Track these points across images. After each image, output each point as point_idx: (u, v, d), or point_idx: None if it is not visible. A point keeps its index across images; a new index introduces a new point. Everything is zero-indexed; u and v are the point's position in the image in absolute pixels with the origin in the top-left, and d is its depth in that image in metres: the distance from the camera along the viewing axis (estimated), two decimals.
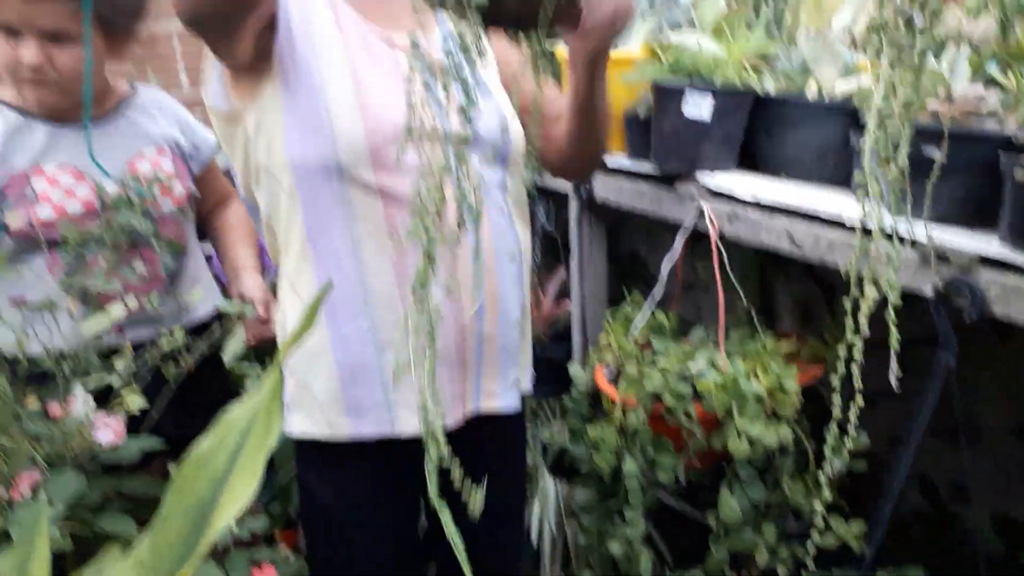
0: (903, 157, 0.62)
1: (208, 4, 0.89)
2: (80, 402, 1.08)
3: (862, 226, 0.64)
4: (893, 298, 0.62)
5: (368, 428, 1.07)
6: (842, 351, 0.65)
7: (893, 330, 0.65)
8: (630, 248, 2.05)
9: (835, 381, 0.67)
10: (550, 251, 2.00)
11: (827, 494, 0.73)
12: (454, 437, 0.82)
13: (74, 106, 1.40)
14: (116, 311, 1.23)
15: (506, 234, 1.11)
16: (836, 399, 0.68)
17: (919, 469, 1.48)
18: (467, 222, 0.71)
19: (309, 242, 1.05)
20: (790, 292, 1.64)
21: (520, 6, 0.74)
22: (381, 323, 1.05)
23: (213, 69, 1.04)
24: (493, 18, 0.71)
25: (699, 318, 1.53)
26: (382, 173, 1.01)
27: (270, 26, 0.98)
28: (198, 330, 1.47)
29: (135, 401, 1.15)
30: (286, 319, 1.13)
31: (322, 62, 1.00)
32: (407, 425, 1.07)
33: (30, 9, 1.28)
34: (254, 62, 0.99)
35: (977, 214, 0.98)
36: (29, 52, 1.30)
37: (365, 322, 1.05)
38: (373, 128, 0.99)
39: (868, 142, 0.62)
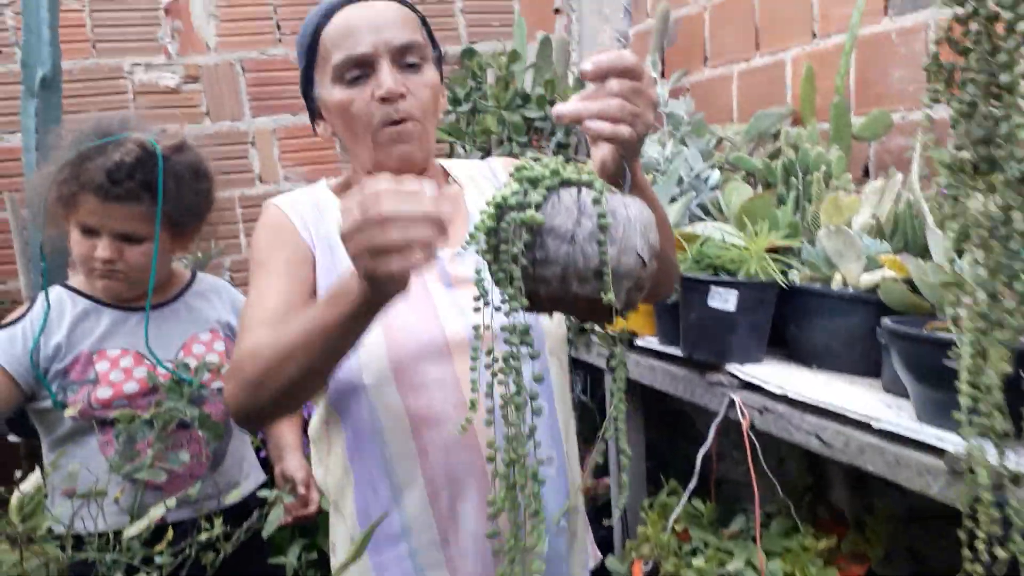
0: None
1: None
2: None
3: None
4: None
5: None
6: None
7: None
8: (667, 431, 2.02)
9: None
10: (587, 425, 1.99)
11: None
12: None
13: (139, 295, 1.51)
14: (157, 512, 1.25)
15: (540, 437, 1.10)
16: None
17: None
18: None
19: (350, 462, 1.08)
20: (835, 476, 1.59)
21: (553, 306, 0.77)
22: (419, 546, 1.05)
23: None
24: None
25: (740, 505, 1.48)
26: (407, 392, 1.03)
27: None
28: (240, 507, 1.49)
29: None
30: (336, 539, 1.14)
31: None
32: None
33: (109, 214, 1.41)
34: None
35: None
36: (103, 249, 1.42)
37: (404, 546, 1.05)
38: (396, 347, 1.02)
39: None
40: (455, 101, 2.26)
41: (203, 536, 1.26)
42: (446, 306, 1.08)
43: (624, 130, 0.79)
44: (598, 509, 1.82)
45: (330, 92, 1.08)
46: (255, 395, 0.93)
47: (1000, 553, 0.60)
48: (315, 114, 1.16)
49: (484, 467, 1.04)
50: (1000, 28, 0.55)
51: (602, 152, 0.85)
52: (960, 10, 0.60)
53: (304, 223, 1.11)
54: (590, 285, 0.71)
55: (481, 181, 1.23)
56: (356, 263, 0.76)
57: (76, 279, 1.55)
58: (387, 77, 1.04)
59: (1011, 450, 0.91)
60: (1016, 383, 0.90)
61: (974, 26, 0.58)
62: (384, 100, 1.05)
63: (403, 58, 1.07)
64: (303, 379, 0.94)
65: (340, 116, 1.08)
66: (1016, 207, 0.55)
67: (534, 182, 0.74)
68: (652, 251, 0.74)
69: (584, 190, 0.73)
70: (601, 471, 1.86)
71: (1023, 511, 0.63)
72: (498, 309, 0.74)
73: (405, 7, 1.11)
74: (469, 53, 2.33)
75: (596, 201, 0.72)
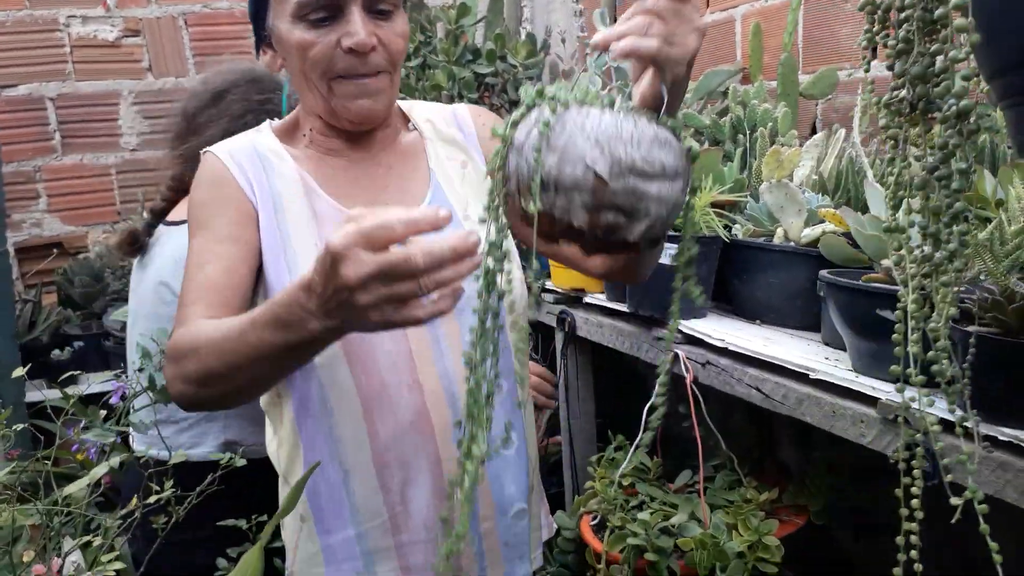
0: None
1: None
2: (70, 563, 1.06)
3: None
4: None
5: None
6: None
7: None
8: (616, 386, 2.04)
9: None
10: None
11: None
12: None
13: None
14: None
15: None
16: None
17: None
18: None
19: (299, 438, 1.05)
20: (781, 431, 1.62)
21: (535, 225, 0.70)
22: (368, 531, 1.03)
23: None
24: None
25: (687, 461, 1.50)
26: (358, 371, 1.01)
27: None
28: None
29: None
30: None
31: (296, 266, 1.01)
32: None
33: None
34: None
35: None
36: None
37: (352, 531, 1.03)
38: None
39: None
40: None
41: (152, 499, 1.24)
42: None
43: (647, 43, 0.73)
44: (550, 467, 1.83)
45: (289, 29, 0.99)
46: (197, 391, 0.91)
47: (954, 501, 0.61)
48: (262, 41, 1.08)
49: (436, 451, 1.03)
50: None
51: (641, 86, 0.78)
52: None
53: (247, 177, 1.05)
54: (542, 198, 0.66)
55: (443, 127, 1.17)
56: (366, 312, 0.71)
57: None
58: (359, 27, 0.97)
59: (937, 398, 0.94)
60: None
61: None
62: (351, 51, 0.98)
63: (376, 3, 0.99)
64: (251, 386, 0.93)
65: (298, 57, 1.00)
66: (954, 144, 0.55)
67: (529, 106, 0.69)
68: (621, 166, 0.66)
69: (559, 104, 0.68)
70: (553, 429, 1.88)
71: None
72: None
73: None
74: (418, 6, 2.27)
75: (552, 111, 0.67)
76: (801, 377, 1.06)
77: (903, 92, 0.59)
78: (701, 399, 1.24)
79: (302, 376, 1.03)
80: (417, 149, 1.14)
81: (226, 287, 0.97)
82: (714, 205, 1.32)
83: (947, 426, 0.90)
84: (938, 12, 0.54)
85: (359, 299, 0.70)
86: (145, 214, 1.71)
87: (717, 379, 1.20)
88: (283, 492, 1.12)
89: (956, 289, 0.58)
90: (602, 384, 1.72)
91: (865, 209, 1.17)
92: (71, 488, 1.17)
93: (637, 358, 1.43)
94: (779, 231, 1.24)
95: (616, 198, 0.66)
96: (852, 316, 1.00)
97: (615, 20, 2.49)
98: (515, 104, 2.29)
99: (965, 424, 0.87)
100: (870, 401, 0.96)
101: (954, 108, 0.54)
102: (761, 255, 1.25)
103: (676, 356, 1.28)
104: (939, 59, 0.57)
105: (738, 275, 1.30)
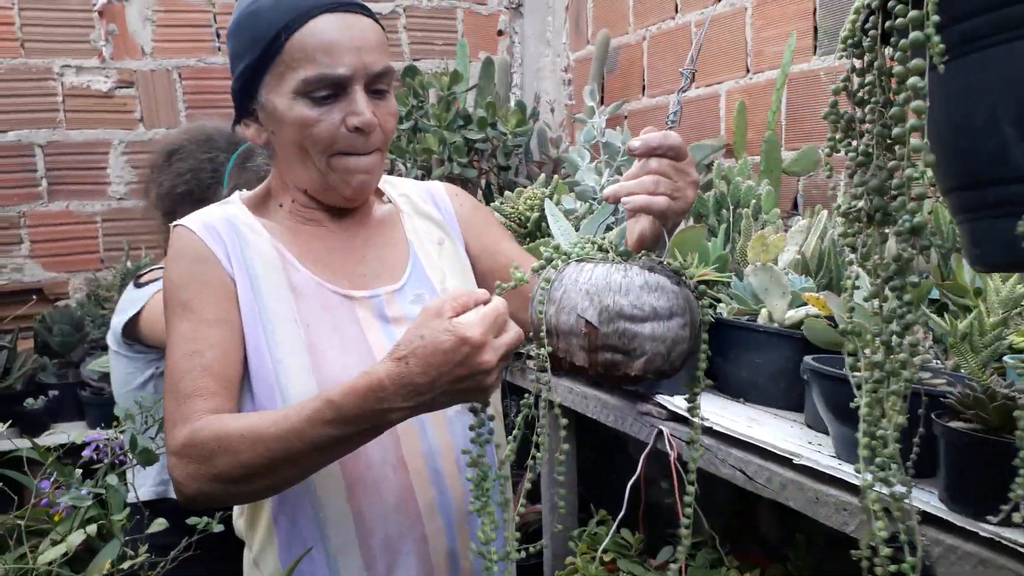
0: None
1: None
2: None
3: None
4: None
5: None
6: None
7: None
8: (602, 459, 2.03)
9: None
10: (522, 452, 1.98)
11: None
12: None
13: None
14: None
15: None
16: None
17: None
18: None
19: (275, 521, 1.02)
20: (763, 505, 1.62)
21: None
22: None
23: None
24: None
25: (669, 535, 1.49)
26: None
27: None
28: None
29: None
30: None
31: (274, 341, 1.00)
32: None
33: None
34: None
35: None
36: None
37: None
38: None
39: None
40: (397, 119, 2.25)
41: (126, 564, 1.21)
42: (384, 348, 1.01)
43: (658, 201, 0.84)
44: (529, 536, 1.81)
45: (289, 104, 1.00)
46: (229, 488, 0.90)
47: None
48: (247, 113, 1.06)
49: (423, 532, 1.02)
50: (893, 82, 0.57)
51: (641, 224, 0.90)
52: (857, 62, 0.62)
53: (225, 251, 1.03)
54: (549, 341, 0.80)
55: (419, 203, 1.19)
56: (489, 388, 0.83)
57: None
58: (364, 107, 0.99)
59: (921, 489, 0.94)
60: (928, 424, 0.94)
61: (869, 78, 0.61)
62: (357, 130, 1.00)
63: (375, 84, 1.01)
64: (294, 479, 0.93)
65: (298, 132, 1.00)
66: (907, 258, 0.56)
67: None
68: (609, 313, 0.77)
69: (561, 261, 0.83)
70: (533, 496, 1.86)
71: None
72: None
73: (378, 26, 1.05)
74: (411, 71, 2.32)
75: (554, 267, 0.81)
76: (785, 461, 1.06)
77: (861, 203, 0.62)
78: (684, 476, 1.24)
79: None
80: (393, 220, 1.15)
81: (223, 374, 0.96)
82: (699, 283, 1.34)
83: (929, 519, 0.91)
84: (895, 131, 0.56)
85: (489, 380, 0.83)
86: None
87: (702, 459, 1.20)
88: (251, 573, 1.08)
89: (905, 399, 0.60)
90: (586, 457, 1.72)
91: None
92: (47, 556, 1.14)
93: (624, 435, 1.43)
94: (763, 312, 1.26)
95: (609, 339, 0.77)
96: (835, 403, 1.01)
97: (603, 94, 2.55)
98: (504, 169, 2.33)
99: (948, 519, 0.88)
100: (853, 489, 0.97)
101: (908, 224, 0.56)
102: (746, 335, 1.27)
103: (660, 432, 1.29)
104: (896, 175, 0.60)
105: (723, 353, 1.31)
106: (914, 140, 0.55)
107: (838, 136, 0.68)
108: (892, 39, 0.59)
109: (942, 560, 0.87)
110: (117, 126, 2.80)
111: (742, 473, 1.11)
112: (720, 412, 1.22)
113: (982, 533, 0.84)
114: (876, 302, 0.61)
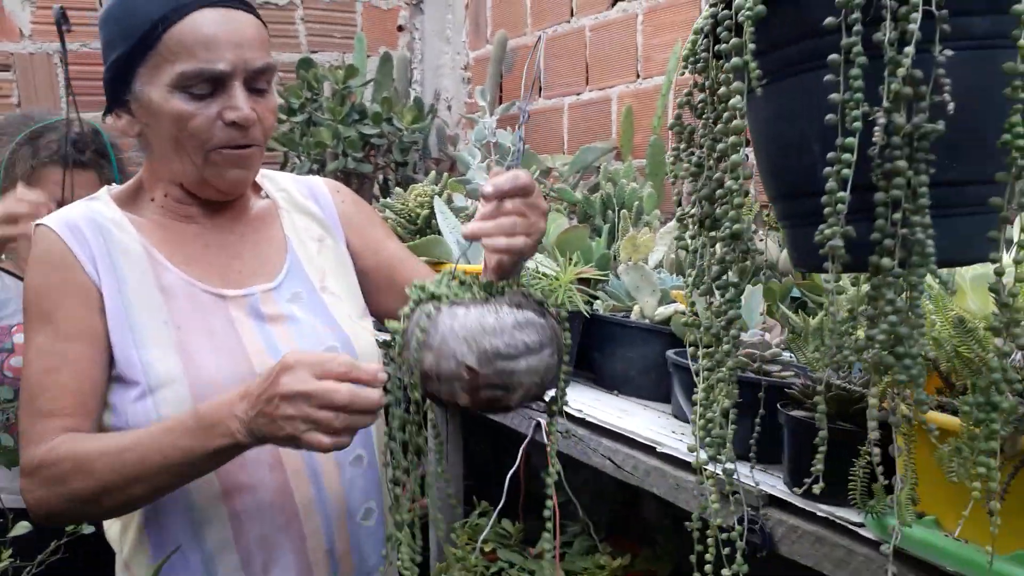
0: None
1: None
2: None
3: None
4: None
5: None
6: None
7: None
8: (482, 455, 2.07)
9: None
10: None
11: None
12: None
13: None
14: None
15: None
16: None
17: None
18: None
19: (146, 525, 1.00)
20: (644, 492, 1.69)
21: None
22: None
23: None
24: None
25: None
26: None
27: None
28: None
29: None
30: None
31: (143, 345, 0.98)
32: None
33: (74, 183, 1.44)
34: None
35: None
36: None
37: None
38: (201, 398, 0.94)
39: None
40: (290, 111, 2.22)
41: None
42: (259, 348, 1.01)
43: (518, 241, 0.87)
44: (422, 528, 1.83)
45: (165, 98, 0.98)
46: (84, 507, 0.90)
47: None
48: (119, 104, 1.03)
49: (301, 529, 1.01)
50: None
51: (498, 256, 0.93)
52: (699, 78, 0.68)
53: (90, 253, 1.00)
54: (429, 386, 0.82)
55: (299, 198, 1.17)
56: (284, 422, 0.82)
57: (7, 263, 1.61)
58: (243, 102, 0.98)
59: (770, 474, 1.02)
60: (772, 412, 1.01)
61: (701, 95, 0.67)
62: (234, 124, 0.99)
63: (255, 81, 1.00)
64: (145, 498, 0.93)
65: (174, 126, 0.98)
66: (731, 260, 0.63)
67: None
68: (488, 355, 0.80)
69: (432, 305, 0.84)
70: (422, 490, 1.89)
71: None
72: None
73: (259, 22, 1.03)
74: (306, 63, 2.30)
75: (428, 315, 0.82)
76: (649, 450, 1.13)
77: (694, 209, 0.68)
78: (562, 467, 1.29)
79: None
80: (271, 217, 1.14)
81: (81, 392, 0.94)
82: (581, 280, 1.39)
83: (775, 501, 0.99)
84: (720, 147, 0.62)
85: (283, 409, 0.81)
86: None
87: (575, 448, 1.25)
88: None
89: (732, 384, 0.66)
90: (474, 449, 1.75)
91: None
92: None
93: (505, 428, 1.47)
94: (636, 308, 1.32)
95: (490, 379, 0.81)
96: (691, 393, 1.07)
97: (501, 94, 2.59)
98: (401, 165, 2.33)
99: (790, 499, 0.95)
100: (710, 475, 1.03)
101: (729, 230, 0.62)
102: (619, 330, 1.33)
103: (539, 424, 1.33)
104: (723, 186, 0.66)
105: (599, 347, 1.37)
106: (733, 156, 0.61)
107: (681, 146, 0.74)
108: (720, 61, 0.65)
109: (785, 539, 0.95)
110: None
111: (611, 461, 1.17)
112: (593, 403, 1.28)
113: (819, 513, 0.92)
114: (707, 299, 0.67)
